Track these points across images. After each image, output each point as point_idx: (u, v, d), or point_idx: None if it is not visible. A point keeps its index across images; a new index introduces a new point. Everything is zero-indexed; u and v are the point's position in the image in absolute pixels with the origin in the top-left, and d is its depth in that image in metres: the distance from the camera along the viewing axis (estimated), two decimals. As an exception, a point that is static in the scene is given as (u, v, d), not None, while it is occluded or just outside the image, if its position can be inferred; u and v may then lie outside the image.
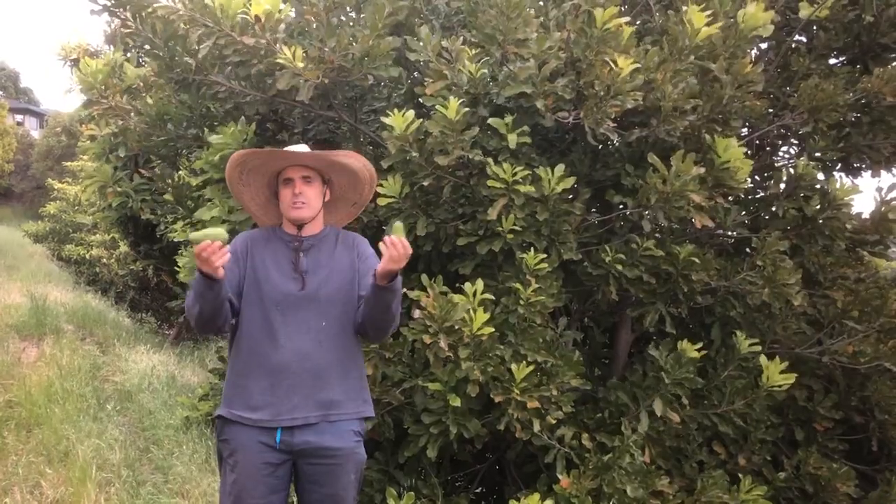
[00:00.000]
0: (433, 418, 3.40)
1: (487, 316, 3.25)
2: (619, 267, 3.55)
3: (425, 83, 3.47)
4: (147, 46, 3.65)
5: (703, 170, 3.38)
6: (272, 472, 2.57)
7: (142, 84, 4.78)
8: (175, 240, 4.40)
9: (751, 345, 3.69)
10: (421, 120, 3.36)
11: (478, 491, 4.40)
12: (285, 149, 2.77)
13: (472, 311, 3.24)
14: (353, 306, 2.71)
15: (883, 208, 4.15)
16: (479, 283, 3.31)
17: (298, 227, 2.74)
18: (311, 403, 2.58)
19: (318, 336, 2.64)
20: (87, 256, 14.97)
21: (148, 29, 3.55)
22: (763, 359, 3.66)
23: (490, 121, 3.35)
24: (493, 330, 3.29)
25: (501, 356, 3.36)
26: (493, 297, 3.41)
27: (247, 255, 2.70)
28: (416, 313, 3.33)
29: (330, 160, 2.76)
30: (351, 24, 3.82)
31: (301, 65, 3.28)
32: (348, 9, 3.91)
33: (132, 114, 4.35)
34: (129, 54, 5.86)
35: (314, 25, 3.49)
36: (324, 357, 2.63)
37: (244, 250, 2.70)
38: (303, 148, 2.77)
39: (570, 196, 3.62)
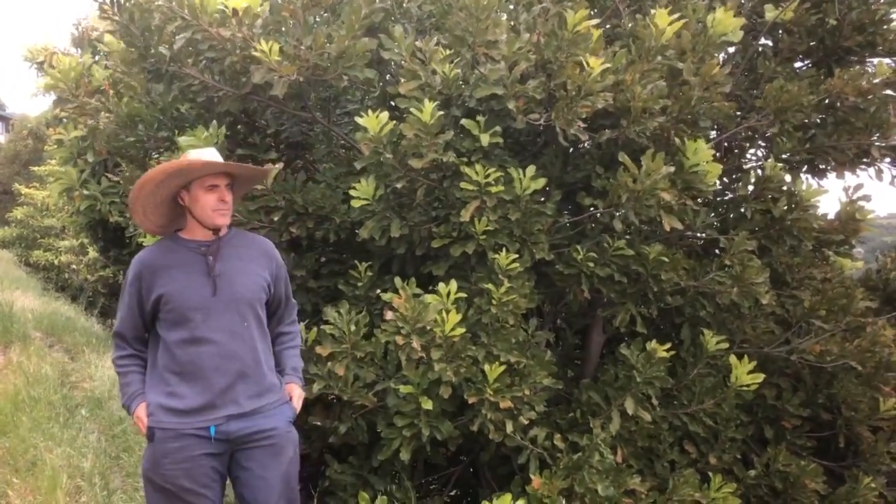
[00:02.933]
0: (406, 421, 3.39)
1: (460, 317, 3.26)
2: (591, 265, 3.58)
3: (399, 83, 3.47)
4: (123, 33, 3.60)
5: (672, 168, 3.43)
6: (209, 463, 2.66)
7: (109, 86, 4.73)
8: (144, 244, 4.35)
9: (718, 342, 3.73)
10: (395, 122, 3.36)
11: (452, 494, 4.40)
12: (202, 157, 2.77)
13: (444, 312, 3.25)
14: (262, 304, 2.85)
15: (849, 209, 4.23)
16: (453, 284, 3.32)
17: (215, 232, 2.79)
18: (241, 399, 2.70)
19: (241, 336, 2.74)
20: (56, 262, 14.78)
21: (125, 16, 3.51)
22: (732, 358, 3.71)
23: (463, 122, 3.37)
24: (465, 331, 3.30)
25: (474, 357, 3.37)
26: (465, 296, 3.42)
27: (150, 282, 2.71)
28: (389, 315, 3.33)
29: (260, 174, 3.06)
30: (326, 24, 3.82)
31: (277, 59, 3.27)
32: (323, 10, 3.91)
33: (102, 112, 4.31)
34: (97, 57, 5.79)
35: (291, 23, 3.48)
36: (248, 355, 2.75)
37: (147, 280, 2.72)
38: (215, 153, 2.83)
39: (542, 198, 3.64)
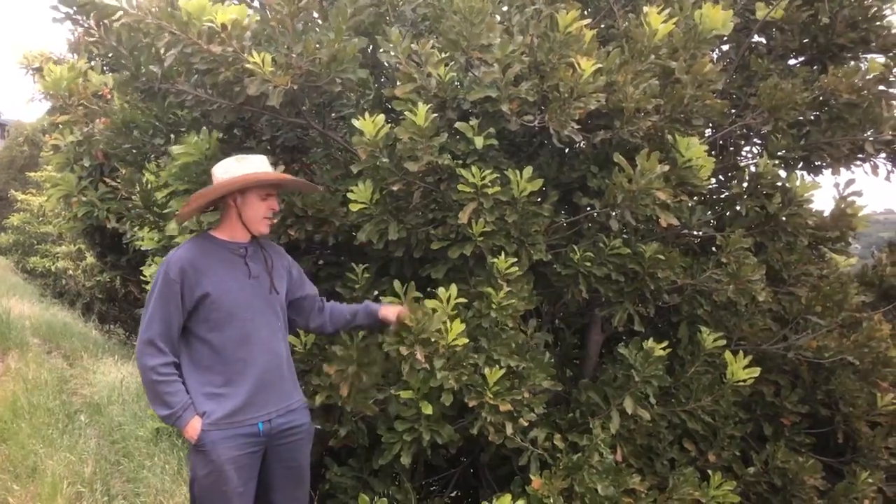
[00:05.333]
0: (406, 425, 3.39)
1: (462, 326, 3.25)
2: (588, 265, 3.59)
3: (394, 85, 3.47)
4: (111, 55, 3.60)
5: (667, 167, 3.43)
6: (254, 458, 2.82)
7: (107, 90, 4.74)
8: (143, 248, 4.36)
9: (715, 340, 3.75)
10: (391, 125, 3.37)
11: (452, 495, 4.41)
12: (259, 168, 2.96)
13: (447, 321, 3.25)
14: (286, 304, 3.06)
15: (841, 204, 4.24)
16: (453, 288, 3.33)
17: (252, 237, 2.99)
18: (281, 395, 2.90)
19: (278, 334, 2.95)
20: (53, 268, 14.75)
21: (113, 38, 3.51)
22: (727, 354, 3.72)
23: (457, 125, 3.37)
24: (467, 340, 3.29)
25: (475, 363, 3.37)
26: (465, 301, 3.42)
27: (195, 280, 2.77)
28: (393, 325, 3.29)
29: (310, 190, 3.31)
30: (317, 29, 3.82)
31: (270, 69, 3.27)
32: (314, 14, 3.91)
33: (99, 117, 4.30)
34: (93, 62, 5.80)
35: (280, 32, 3.48)
36: (282, 352, 2.95)
37: (191, 278, 2.77)
38: (265, 161, 3.02)
39: (539, 199, 3.65)
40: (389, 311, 3.20)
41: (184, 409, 2.70)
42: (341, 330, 3.29)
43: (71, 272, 14.06)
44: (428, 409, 3.30)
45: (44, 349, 8.33)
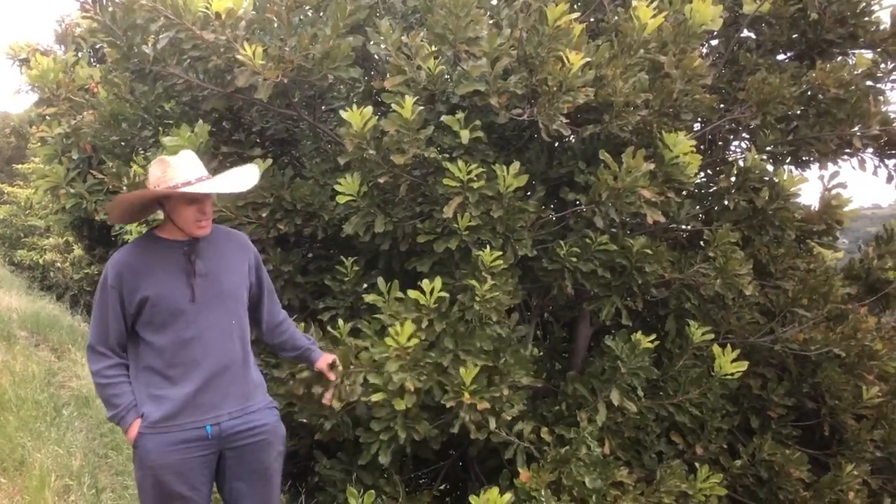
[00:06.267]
0: (382, 425, 3.36)
1: (412, 328, 3.24)
2: (574, 260, 3.59)
3: (384, 78, 3.47)
4: (105, 33, 3.55)
5: (652, 165, 3.44)
6: (202, 463, 2.67)
7: (93, 84, 4.71)
8: (130, 241, 4.33)
9: (703, 333, 3.77)
10: (379, 117, 3.36)
11: (441, 488, 4.42)
12: (182, 166, 2.68)
13: (398, 326, 3.24)
14: (245, 300, 2.86)
15: (827, 197, 4.26)
16: (437, 282, 3.32)
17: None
18: (234, 397, 2.72)
19: (230, 334, 2.75)
20: (41, 261, 14.65)
21: (107, 16, 3.47)
22: (715, 347, 3.74)
23: (443, 118, 3.37)
24: (419, 341, 3.27)
25: (437, 362, 3.35)
26: (448, 295, 3.42)
27: (133, 284, 2.65)
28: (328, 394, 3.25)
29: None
30: (311, 24, 3.81)
31: (261, 62, 3.25)
32: (307, 9, 3.90)
33: (86, 110, 4.27)
34: (80, 54, 5.75)
35: (275, 24, 3.46)
36: (236, 353, 2.75)
37: (129, 281, 2.65)
38: (190, 162, 2.70)
39: (528, 193, 3.65)
40: (326, 363, 3.13)
41: (127, 411, 2.65)
42: (277, 351, 3.20)
43: (59, 265, 13.99)
44: (401, 405, 3.26)
45: (31, 342, 8.27)
